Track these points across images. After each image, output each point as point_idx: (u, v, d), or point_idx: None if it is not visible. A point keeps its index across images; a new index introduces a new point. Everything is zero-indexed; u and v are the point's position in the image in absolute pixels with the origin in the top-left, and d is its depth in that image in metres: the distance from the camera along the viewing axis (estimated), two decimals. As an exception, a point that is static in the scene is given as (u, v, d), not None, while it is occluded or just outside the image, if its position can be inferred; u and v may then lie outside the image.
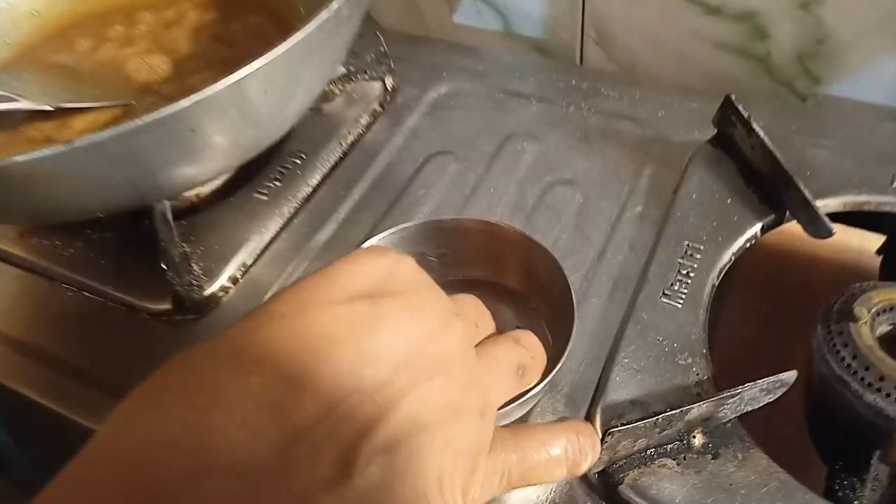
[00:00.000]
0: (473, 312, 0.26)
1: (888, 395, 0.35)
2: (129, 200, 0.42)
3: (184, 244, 0.48)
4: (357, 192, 0.52)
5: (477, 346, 0.25)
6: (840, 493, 0.40)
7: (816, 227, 0.43)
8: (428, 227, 0.41)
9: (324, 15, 0.37)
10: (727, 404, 0.36)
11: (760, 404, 0.37)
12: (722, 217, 0.45)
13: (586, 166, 0.52)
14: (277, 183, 0.52)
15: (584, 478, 0.37)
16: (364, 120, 0.56)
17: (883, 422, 0.35)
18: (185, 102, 0.33)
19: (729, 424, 0.37)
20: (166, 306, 0.46)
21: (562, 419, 0.26)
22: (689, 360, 0.39)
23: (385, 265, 0.23)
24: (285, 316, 0.20)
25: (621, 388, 0.38)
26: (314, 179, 0.53)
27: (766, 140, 0.45)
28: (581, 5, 0.60)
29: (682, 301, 0.42)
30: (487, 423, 0.23)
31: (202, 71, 0.53)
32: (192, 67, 0.53)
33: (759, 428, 0.38)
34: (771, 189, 0.45)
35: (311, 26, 0.36)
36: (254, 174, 0.52)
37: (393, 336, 0.21)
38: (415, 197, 0.51)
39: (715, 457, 0.36)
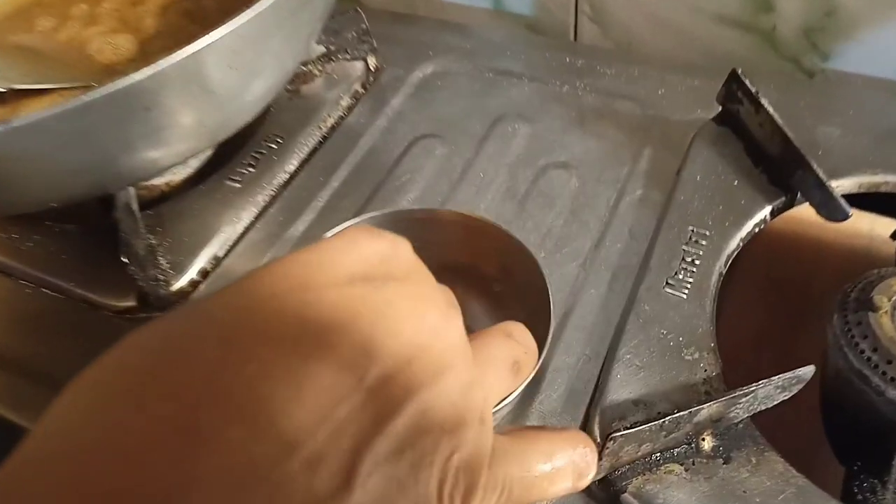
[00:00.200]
0: (455, 304, 0.23)
1: (914, 392, 0.32)
2: (86, 188, 0.39)
3: (150, 236, 0.45)
4: (337, 178, 0.49)
5: None
6: (860, 497, 0.37)
7: (831, 209, 0.40)
8: (398, 217, 0.38)
9: (292, -19, 0.33)
10: (739, 403, 0.33)
11: (775, 402, 0.34)
12: (728, 200, 0.42)
13: (582, 148, 0.48)
14: (251, 169, 0.48)
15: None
16: (345, 102, 0.53)
17: (908, 420, 0.33)
18: (136, 76, 0.30)
19: (741, 425, 0.34)
20: (130, 303, 0.43)
21: (552, 428, 0.23)
22: (696, 356, 0.36)
23: (384, 247, 0.20)
24: (277, 296, 0.17)
25: (623, 387, 0.35)
26: (291, 165, 0.49)
27: (776, 116, 0.41)
28: (575, -21, 0.57)
29: (687, 291, 0.39)
30: (487, 429, 0.20)
31: (170, 49, 0.49)
32: (160, 46, 0.50)
33: (769, 427, 0.35)
34: (781, 169, 0.42)
35: (278, -6, 0.33)
36: (226, 160, 0.49)
37: (399, 326, 0.18)
38: (399, 183, 0.48)
39: (726, 461, 0.33)
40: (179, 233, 0.45)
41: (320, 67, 0.54)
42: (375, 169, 0.49)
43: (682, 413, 0.32)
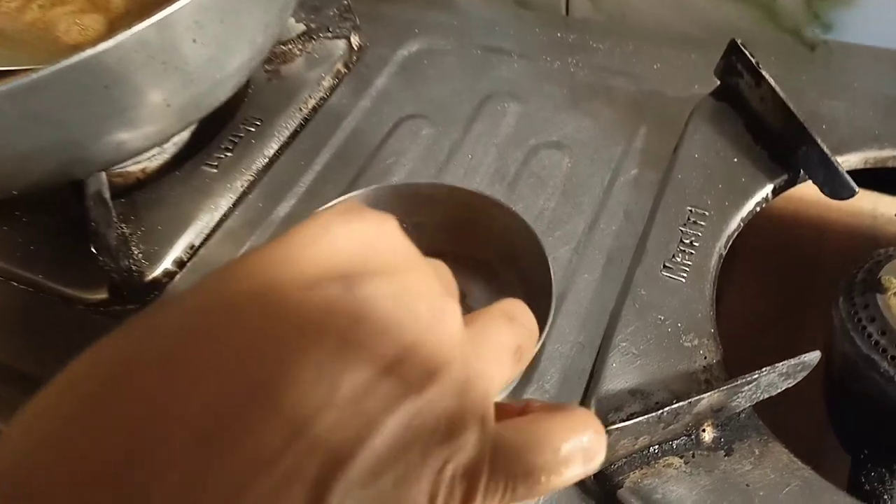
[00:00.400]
0: (450, 284, 0.21)
1: (926, 377, 0.31)
2: (49, 175, 0.37)
3: (122, 225, 0.43)
4: (319, 161, 0.47)
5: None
6: (867, 486, 0.36)
7: (836, 186, 0.38)
8: (382, 193, 0.36)
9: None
10: (741, 392, 0.31)
11: (779, 390, 0.32)
12: (728, 178, 0.40)
13: (574, 127, 0.46)
14: (229, 153, 0.46)
15: (579, 481, 0.32)
16: (327, 82, 0.51)
17: (919, 407, 0.31)
18: (89, 52, 0.28)
19: (743, 415, 0.32)
20: (103, 295, 0.41)
21: (556, 409, 0.20)
22: (696, 342, 0.34)
23: (362, 232, 0.17)
24: (235, 305, 0.15)
25: (619, 376, 0.33)
26: (271, 149, 0.47)
27: (778, 89, 0.39)
28: (565, -50, 0.54)
29: (685, 275, 0.37)
30: (488, 429, 0.18)
31: (140, 29, 0.47)
32: (130, 26, 0.47)
33: (772, 416, 0.33)
34: (783, 145, 0.40)
35: (245, -38, 0.31)
36: (203, 144, 0.47)
37: (377, 329, 0.16)
38: (384, 165, 0.46)
39: (728, 453, 0.31)
40: (154, 221, 0.43)
41: (300, 46, 0.52)
42: (359, 151, 0.47)
43: (681, 403, 0.30)
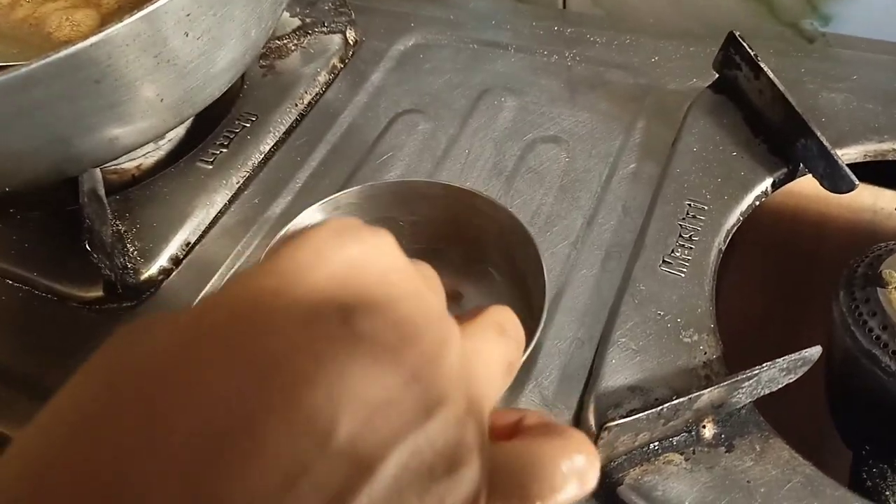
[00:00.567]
0: (440, 291, 0.20)
1: (928, 372, 0.30)
2: (42, 172, 0.36)
3: (117, 222, 0.42)
4: (315, 157, 0.46)
5: None
6: (868, 482, 0.35)
7: (836, 179, 0.38)
8: (378, 190, 0.36)
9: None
10: (742, 388, 0.31)
11: (780, 386, 0.32)
12: (727, 172, 0.40)
13: (572, 121, 0.46)
14: (224, 149, 0.46)
15: (578, 478, 0.32)
16: (322, 77, 0.50)
17: (921, 402, 0.31)
18: (78, 45, 0.27)
19: (744, 411, 0.32)
20: (98, 293, 0.40)
21: (547, 426, 0.20)
22: (695, 338, 0.34)
23: (359, 256, 0.17)
24: (222, 339, 0.14)
25: (618, 372, 0.33)
26: (266, 145, 0.47)
27: (777, 81, 0.39)
28: (562, -57, 0.54)
29: (684, 269, 0.36)
30: (485, 457, 0.17)
31: (133, 24, 0.46)
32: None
33: (772, 412, 0.33)
34: (782, 138, 0.40)
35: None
36: (198, 141, 0.46)
37: (375, 366, 0.15)
38: (381, 161, 0.45)
39: (729, 449, 0.31)
40: (149, 218, 0.43)
41: (295, 41, 0.51)
42: (355, 147, 0.47)
43: (681, 399, 0.29)
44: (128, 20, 0.28)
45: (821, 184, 0.39)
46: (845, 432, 0.38)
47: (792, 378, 0.32)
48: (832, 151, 0.37)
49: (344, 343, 0.15)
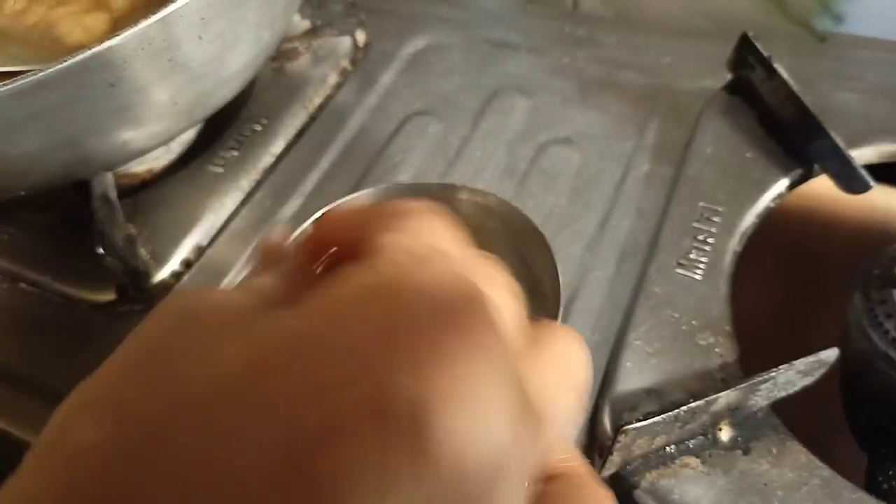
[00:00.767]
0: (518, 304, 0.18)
1: (947, 375, 0.30)
2: (55, 175, 0.36)
3: (129, 225, 0.42)
4: (326, 160, 0.46)
5: None
6: (884, 485, 0.35)
7: (851, 180, 0.37)
8: (391, 192, 0.36)
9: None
10: (759, 390, 0.31)
11: (796, 388, 0.32)
12: (742, 173, 0.40)
13: (584, 123, 0.46)
14: (235, 153, 0.46)
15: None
16: (332, 79, 0.50)
17: (940, 405, 0.30)
18: (94, 49, 0.27)
19: (760, 414, 0.32)
20: (110, 297, 0.40)
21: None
22: (711, 340, 0.34)
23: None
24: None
25: (633, 376, 0.33)
26: (277, 147, 0.47)
27: (791, 82, 0.39)
28: (572, -56, 0.54)
29: (700, 272, 0.36)
30: None
31: (145, 27, 0.46)
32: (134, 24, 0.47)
33: (785, 413, 0.33)
34: (797, 139, 0.40)
35: (251, -43, 0.30)
36: (208, 144, 0.46)
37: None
38: (391, 163, 0.45)
39: (746, 452, 0.31)
40: (160, 222, 0.43)
41: (305, 44, 0.51)
42: (366, 149, 0.47)
43: (697, 402, 0.29)
44: (143, 24, 0.28)
45: (836, 184, 0.38)
46: (860, 435, 0.38)
47: (809, 381, 0.32)
48: (846, 152, 0.37)
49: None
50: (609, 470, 0.30)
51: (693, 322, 0.34)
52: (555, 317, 0.32)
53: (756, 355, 0.35)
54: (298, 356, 0.12)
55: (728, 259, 0.37)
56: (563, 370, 0.17)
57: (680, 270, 0.36)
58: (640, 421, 0.29)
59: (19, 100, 0.27)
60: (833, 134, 0.37)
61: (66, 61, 0.27)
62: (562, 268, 0.34)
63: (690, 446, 0.31)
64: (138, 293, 0.40)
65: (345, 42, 0.52)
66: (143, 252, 0.41)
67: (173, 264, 0.41)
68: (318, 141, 0.47)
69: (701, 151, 0.41)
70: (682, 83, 0.47)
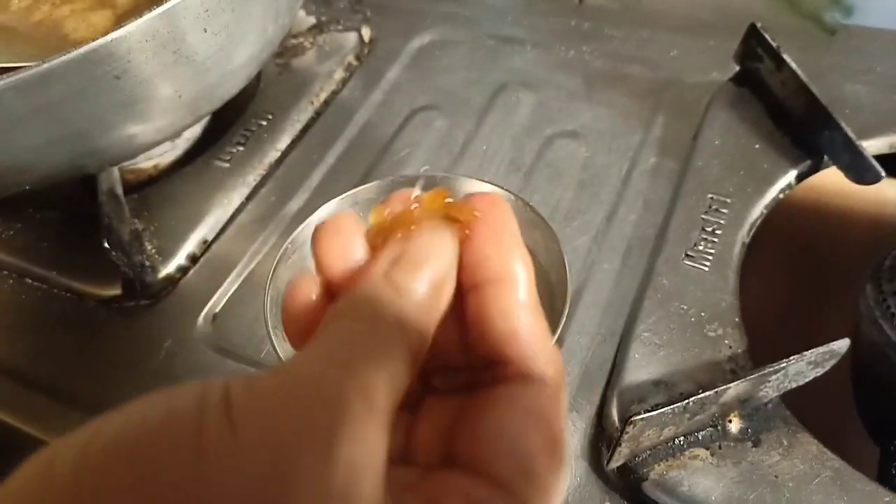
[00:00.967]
0: None
1: (961, 365, 0.30)
2: (61, 169, 0.36)
3: (135, 220, 0.42)
4: (332, 155, 0.46)
5: None
6: (898, 478, 0.35)
7: (861, 170, 0.37)
8: (397, 184, 0.36)
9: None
10: (769, 381, 0.30)
11: (807, 379, 0.31)
12: (749, 165, 0.39)
13: (590, 116, 0.46)
14: (241, 148, 0.46)
15: (602, 474, 0.31)
16: (338, 75, 0.50)
17: (955, 396, 0.30)
18: (98, 42, 0.27)
19: (770, 405, 0.31)
20: (116, 291, 0.40)
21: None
22: (720, 331, 0.33)
23: None
24: None
25: (642, 367, 0.32)
26: (283, 143, 0.46)
27: (799, 72, 0.38)
28: (578, -62, 0.53)
29: (708, 263, 0.36)
30: None
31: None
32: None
33: (796, 406, 0.32)
34: (805, 130, 0.39)
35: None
36: (214, 140, 0.46)
37: None
38: (397, 158, 0.45)
39: (756, 444, 0.30)
40: (166, 217, 0.43)
41: (311, 40, 0.51)
42: (372, 144, 0.46)
43: (707, 393, 0.29)
44: (148, 16, 0.28)
45: (846, 175, 0.38)
46: (872, 428, 0.37)
47: (819, 372, 0.31)
48: (857, 142, 0.37)
49: None
50: (617, 461, 0.30)
51: (701, 313, 0.34)
52: (562, 309, 0.32)
53: (766, 347, 0.34)
54: None
55: (736, 250, 0.36)
56: None
57: (688, 262, 0.36)
58: (649, 412, 0.29)
59: (24, 92, 0.27)
60: (843, 124, 0.37)
61: (71, 53, 0.27)
62: (569, 260, 0.33)
63: (700, 438, 0.31)
64: (144, 288, 0.40)
65: (350, 38, 0.51)
66: (148, 247, 0.41)
67: (179, 259, 0.41)
68: (323, 136, 0.47)
69: (709, 143, 0.41)
70: (688, 76, 0.46)
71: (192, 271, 0.41)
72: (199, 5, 0.29)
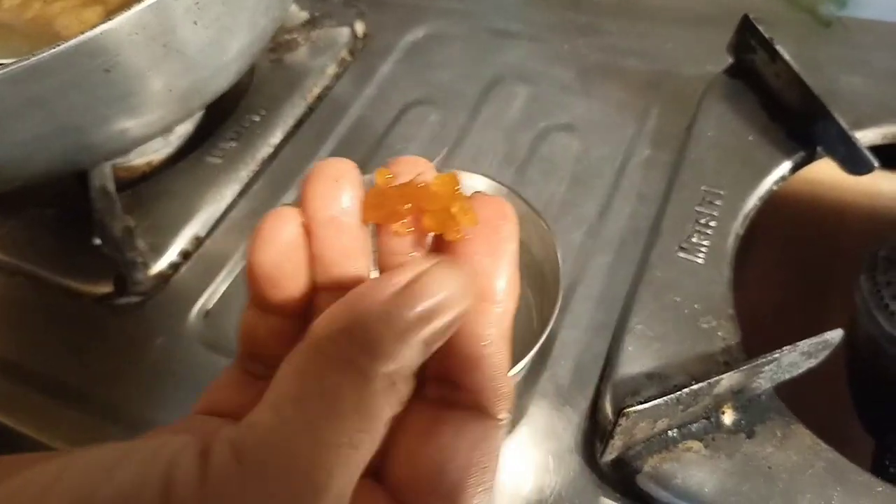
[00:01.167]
0: None
1: (956, 355, 0.30)
2: (55, 164, 0.36)
3: (127, 217, 0.42)
4: (325, 150, 0.46)
5: None
6: (892, 470, 0.35)
7: (855, 161, 0.37)
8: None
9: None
10: (762, 372, 0.30)
11: (800, 371, 0.31)
12: (744, 157, 0.39)
13: (585, 109, 0.45)
14: (233, 144, 0.46)
15: (596, 467, 0.31)
16: (331, 70, 0.50)
17: (949, 386, 0.30)
18: (88, 34, 0.27)
19: (764, 397, 0.31)
20: (108, 289, 0.40)
21: None
22: (714, 324, 0.33)
23: None
24: None
25: (635, 360, 0.32)
26: (275, 138, 0.46)
27: (793, 63, 0.38)
28: (572, -69, 0.53)
29: (702, 255, 0.36)
30: None
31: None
32: (131, 14, 0.47)
33: (792, 399, 0.32)
34: (800, 122, 0.39)
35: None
36: (207, 136, 0.46)
37: None
38: (391, 152, 0.45)
39: (750, 436, 0.30)
40: (159, 213, 0.43)
41: (304, 35, 0.51)
42: (365, 139, 0.46)
43: (700, 385, 0.29)
44: (136, 8, 0.27)
45: (840, 166, 0.38)
46: (868, 420, 0.37)
47: (813, 363, 0.31)
48: (851, 133, 0.36)
49: None
50: (611, 455, 0.30)
51: (695, 306, 0.34)
52: (555, 302, 0.32)
53: (761, 340, 0.34)
54: None
55: (730, 242, 0.36)
56: None
57: (682, 254, 0.36)
58: (642, 404, 0.29)
59: (14, 86, 0.27)
60: (837, 115, 0.37)
61: (61, 46, 0.27)
62: (563, 254, 0.33)
63: (693, 430, 0.30)
64: (135, 285, 0.40)
65: (344, 33, 0.51)
66: (141, 243, 0.41)
67: (171, 255, 0.41)
68: (316, 131, 0.47)
69: (702, 135, 0.41)
70: (684, 69, 0.46)
71: (184, 268, 0.41)
72: (188, -2, 0.29)
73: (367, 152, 0.45)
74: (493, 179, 0.36)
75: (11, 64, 0.31)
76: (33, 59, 0.27)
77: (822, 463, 0.29)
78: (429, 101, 0.48)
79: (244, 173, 0.45)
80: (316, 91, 0.49)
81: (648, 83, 0.46)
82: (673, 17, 0.50)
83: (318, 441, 0.13)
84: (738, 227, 0.37)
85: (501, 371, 0.17)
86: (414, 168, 0.18)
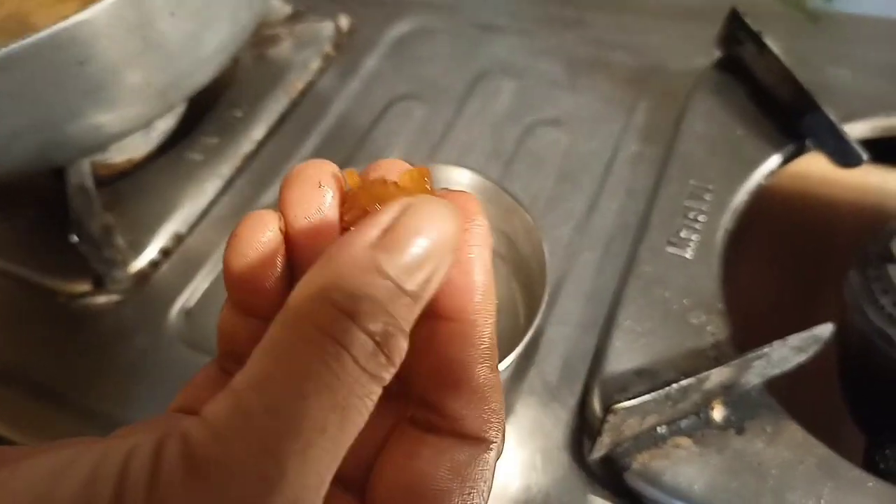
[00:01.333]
0: None
1: (946, 349, 0.29)
2: (31, 159, 0.35)
3: (106, 214, 0.41)
4: (308, 145, 0.45)
5: None
6: (882, 466, 0.34)
7: (844, 153, 0.37)
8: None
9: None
10: (752, 367, 0.30)
11: (791, 366, 0.31)
12: (733, 150, 0.39)
13: (572, 104, 0.45)
14: (215, 139, 0.45)
15: (584, 465, 0.31)
16: (315, 65, 0.49)
17: (940, 381, 0.30)
18: (60, 25, 0.26)
19: (754, 392, 0.31)
20: (86, 287, 0.39)
21: None
22: (703, 319, 0.33)
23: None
24: None
25: (623, 356, 0.32)
26: (258, 134, 0.46)
27: (781, 56, 0.38)
28: (558, -75, 0.53)
29: (691, 250, 0.35)
30: None
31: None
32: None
33: (783, 396, 0.32)
34: (789, 115, 0.39)
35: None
36: (188, 131, 0.45)
37: None
38: (375, 147, 0.44)
39: (739, 431, 0.30)
40: (139, 210, 0.42)
41: (287, 29, 0.50)
42: (349, 134, 0.46)
43: (689, 380, 0.28)
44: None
45: (829, 159, 0.38)
46: (859, 416, 0.37)
47: (803, 357, 0.31)
48: (840, 126, 0.36)
49: None
50: (599, 452, 0.29)
51: (684, 301, 0.33)
52: (542, 297, 0.32)
53: (750, 336, 0.34)
54: None
55: (720, 237, 0.36)
56: None
57: (671, 249, 0.35)
58: (631, 400, 0.28)
59: (-17, 77, 0.26)
60: (825, 108, 0.37)
61: (32, 37, 0.26)
62: (550, 249, 0.33)
63: (682, 426, 0.30)
64: (114, 283, 0.39)
65: (328, 27, 0.51)
66: (120, 241, 0.40)
67: (151, 253, 0.40)
68: (300, 127, 0.46)
69: (691, 129, 0.40)
70: (672, 63, 0.46)
71: (164, 266, 0.40)
72: (164, -12, 0.28)
73: (352, 148, 0.45)
74: (480, 174, 0.35)
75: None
76: (3, 50, 0.26)
77: (812, 459, 0.29)
78: (414, 95, 0.47)
79: (226, 169, 0.44)
80: (299, 86, 0.48)
81: (636, 77, 0.46)
82: (661, 11, 0.50)
83: (277, 430, 0.12)
84: (727, 221, 0.36)
85: (489, 392, 0.16)
86: (394, 170, 0.17)
